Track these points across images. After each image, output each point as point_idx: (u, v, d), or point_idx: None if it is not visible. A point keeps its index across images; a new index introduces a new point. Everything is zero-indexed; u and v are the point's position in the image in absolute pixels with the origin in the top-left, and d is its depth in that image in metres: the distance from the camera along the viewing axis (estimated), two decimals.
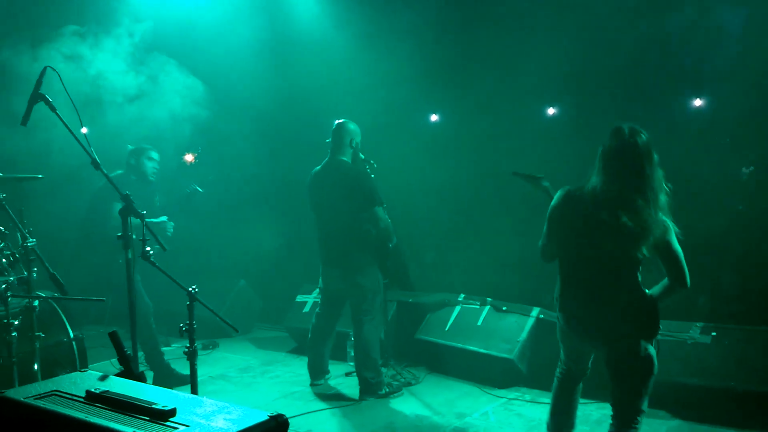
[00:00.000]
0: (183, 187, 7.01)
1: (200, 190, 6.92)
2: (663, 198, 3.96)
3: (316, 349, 6.68)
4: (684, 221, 6.99)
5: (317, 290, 7.18)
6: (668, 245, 3.92)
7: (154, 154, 6.84)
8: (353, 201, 6.18)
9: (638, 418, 4.06)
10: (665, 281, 4.03)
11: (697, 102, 7.51)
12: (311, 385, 6.67)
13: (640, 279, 4.03)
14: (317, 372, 6.70)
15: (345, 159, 6.34)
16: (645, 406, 4.09)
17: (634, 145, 3.97)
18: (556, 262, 4.30)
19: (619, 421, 4.10)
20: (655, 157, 4.00)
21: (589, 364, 4.51)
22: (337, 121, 6.43)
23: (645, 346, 4.03)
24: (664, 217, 3.93)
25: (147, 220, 4.46)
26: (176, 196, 7.06)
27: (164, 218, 6.74)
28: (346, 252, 6.28)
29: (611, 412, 4.16)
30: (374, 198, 6.18)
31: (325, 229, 6.43)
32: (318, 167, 6.49)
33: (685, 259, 3.97)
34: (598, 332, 4.12)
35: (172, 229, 6.76)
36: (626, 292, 4.02)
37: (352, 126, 6.38)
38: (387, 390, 6.34)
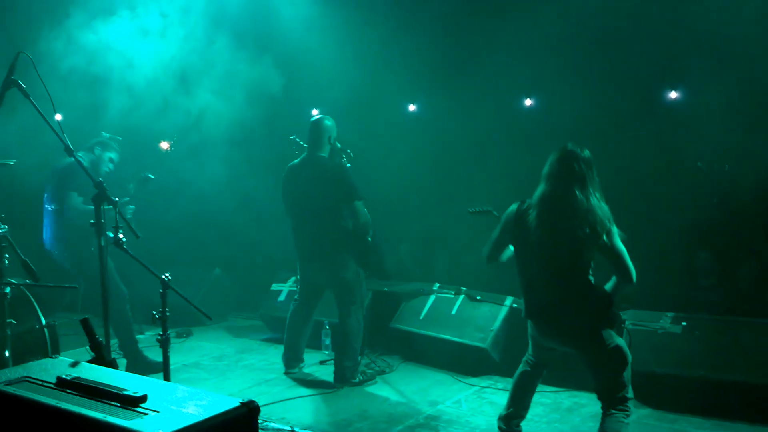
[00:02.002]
0: (137, 173, 6.93)
1: (152, 176, 6.81)
2: (604, 204, 4.23)
3: (293, 338, 6.68)
4: (659, 212, 7.09)
5: (292, 279, 7.19)
6: (613, 246, 4.17)
7: (116, 156, 6.80)
8: (333, 196, 6.17)
9: (626, 405, 4.25)
10: (613, 279, 4.27)
11: (673, 94, 7.57)
12: (285, 373, 6.67)
13: (592, 279, 4.28)
14: (292, 360, 6.70)
15: (323, 155, 6.33)
16: (630, 393, 4.28)
17: (577, 155, 4.27)
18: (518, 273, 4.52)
19: (607, 410, 4.27)
20: (595, 171, 4.29)
21: (555, 359, 4.67)
22: (314, 118, 6.43)
23: (610, 337, 4.22)
24: (606, 221, 4.16)
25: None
26: (130, 183, 6.97)
27: (126, 199, 6.67)
28: (326, 247, 6.26)
29: (596, 399, 4.35)
30: (355, 192, 6.19)
31: (302, 225, 6.39)
32: (295, 162, 6.46)
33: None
34: (563, 331, 4.32)
35: (131, 213, 6.67)
36: (582, 287, 4.24)
37: (329, 122, 6.37)
38: (361, 378, 6.37)
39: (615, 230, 4.17)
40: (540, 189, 4.34)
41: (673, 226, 7.14)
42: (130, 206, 6.67)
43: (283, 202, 6.53)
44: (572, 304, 4.23)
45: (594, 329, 4.20)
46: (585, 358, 4.32)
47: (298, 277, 6.65)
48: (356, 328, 6.35)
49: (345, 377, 6.30)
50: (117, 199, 4.40)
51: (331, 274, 6.32)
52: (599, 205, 4.17)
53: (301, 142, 6.63)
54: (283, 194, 6.51)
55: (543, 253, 4.27)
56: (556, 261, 4.23)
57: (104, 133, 6.97)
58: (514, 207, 4.46)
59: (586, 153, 4.29)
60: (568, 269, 4.22)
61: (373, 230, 6.44)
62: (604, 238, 4.11)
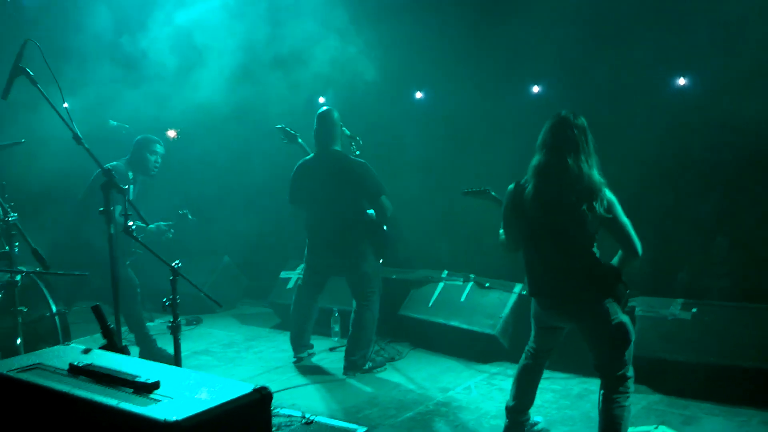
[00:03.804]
0: (176, 208, 6.94)
1: (191, 217, 6.82)
2: (596, 173, 4.14)
3: (298, 323, 6.65)
4: (672, 199, 7.05)
5: (301, 266, 7.16)
6: (615, 218, 4.11)
7: (159, 148, 6.67)
8: (357, 192, 6.16)
9: (626, 384, 4.20)
10: (619, 253, 4.20)
11: (682, 80, 7.50)
12: (294, 358, 6.66)
13: (597, 253, 4.21)
14: (299, 345, 6.67)
15: (338, 149, 6.27)
16: (630, 372, 4.23)
17: (570, 122, 4.19)
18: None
19: (607, 389, 4.23)
20: (591, 137, 4.21)
21: (558, 344, 4.63)
22: (321, 110, 6.32)
23: (615, 312, 4.15)
24: (605, 189, 4.11)
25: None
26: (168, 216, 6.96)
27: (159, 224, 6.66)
28: (347, 243, 6.24)
29: (600, 382, 4.28)
30: (381, 187, 6.19)
31: (320, 221, 6.31)
32: (308, 157, 6.38)
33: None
34: (567, 305, 4.27)
35: (171, 234, 6.67)
36: (585, 260, 4.18)
37: (337, 114, 6.31)
38: (370, 365, 6.37)
39: (615, 201, 4.10)
40: (534, 160, 4.28)
41: (684, 213, 7.11)
42: (170, 234, 6.67)
43: (291, 200, 6.46)
44: (575, 277, 4.17)
45: (598, 303, 4.14)
46: (587, 333, 4.26)
47: (305, 264, 6.61)
48: (372, 320, 6.34)
49: (355, 364, 6.30)
50: (126, 186, 4.40)
51: (351, 268, 6.30)
52: (590, 173, 4.10)
53: (291, 131, 6.61)
54: (292, 191, 6.42)
55: (542, 226, 4.22)
56: (555, 233, 4.17)
57: (111, 121, 6.97)
58: (511, 186, 4.41)
59: (581, 120, 4.22)
60: (568, 241, 4.16)
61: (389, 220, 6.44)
62: (599, 208, 4.03)
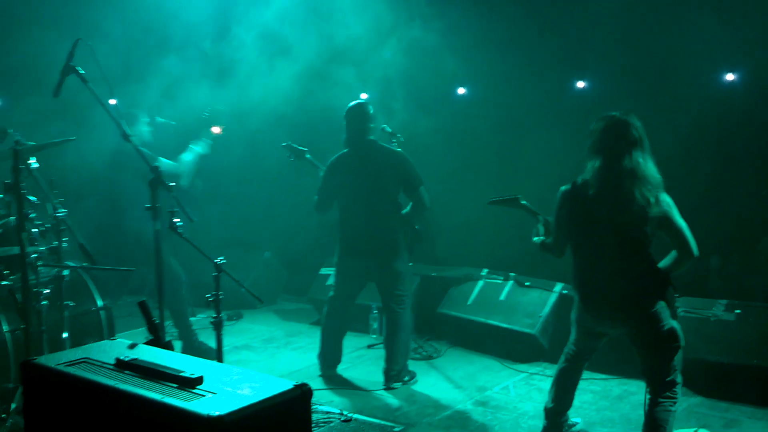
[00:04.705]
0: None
1: (221, 108, 6.84)
2: (657, 175, 4.13)
3: (331, 340, 6.30)
4: (720, 199, 6.96)
5: None
6: (671, 219, 4.09)
7: (145, 118, 6.79)
8: (398, 182, 5.98)
9: (674, 389, 4.18)
10: (673, 253, 4.17)
11: (730, 76, 7.36)
12: (322, 376, 6.27)
13: (651, 255, 4.18)
14: (329, 365, 6.33)
15: (376, 140, 6.10)
16: (679, 378, 4.21)
17: (632, 123, 4.18)
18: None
19: (654, 394, 4.20)
20: (646, 139, 4.19)
21: (599, 348, 4.59)
22: (352, 104, 6.11)
23: (666, 317, 4.14)
24: (661, 192, 4.10)
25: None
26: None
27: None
28: (385, 238, 6.00)
29: (646, 386, 4.25)
30: (420, 178, 5.99)
31: (357, 214, 6.05)
32: (344, 151, 6.14)
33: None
34: (617, 309, 4.23)
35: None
36: (644, 262, 4.16)
37: (372, 109, 6.10)
38: (407, 378, 6.07)
39: (671, 202, 4.11)
40: (596, 162, 4.20)
41: (728, 211, 7.02)
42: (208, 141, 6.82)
43: (320, 197, 6.18)
44: (633, 279, 4.14)
45: (650, 306, 4.12)
46: (637, 338, 4.24)
47: (336, 270, 6.31)
48: (408, 322, 6.10)
49: (398, 377, 6.01)
50: (173, 183, 4.48)
51: (383, 266, 6.05)
52: (653, 173, 4.10)
53: (299, 147, 6.46)
54: (325, 188, 6.16)
55: (605, 228, 4.16)
56: (618, 235, 4.14)
57: (158, 118, 7.06)
58: (566, 188, 4.36)
59: (638, 120, 4.21)
60: (630, 243, 4.14)
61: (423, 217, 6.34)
62: (661, 207, 4.05)
